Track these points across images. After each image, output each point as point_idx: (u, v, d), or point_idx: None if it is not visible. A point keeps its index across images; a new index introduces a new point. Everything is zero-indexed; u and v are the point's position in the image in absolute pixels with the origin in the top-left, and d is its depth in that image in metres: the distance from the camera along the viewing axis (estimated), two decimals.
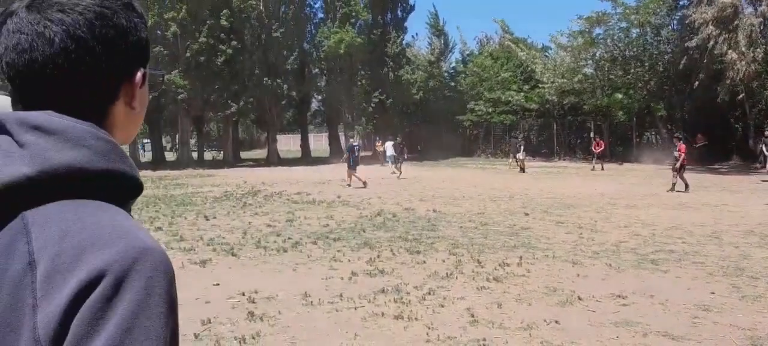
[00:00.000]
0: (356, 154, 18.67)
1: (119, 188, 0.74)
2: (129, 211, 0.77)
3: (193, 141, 45.48)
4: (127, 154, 0.77)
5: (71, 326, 0.62)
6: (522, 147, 26.26)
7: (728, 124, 30.76)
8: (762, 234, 9.21)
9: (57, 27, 0.73)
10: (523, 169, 24.92)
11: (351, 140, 18.40)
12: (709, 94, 27.34)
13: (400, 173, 22.24)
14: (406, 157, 23.39)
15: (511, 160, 27.14)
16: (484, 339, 4.46)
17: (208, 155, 41.60)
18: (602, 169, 26.35)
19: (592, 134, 31.32)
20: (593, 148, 27.88)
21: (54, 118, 0.72)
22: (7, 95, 0.81)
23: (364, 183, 17.87)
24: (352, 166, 18.40)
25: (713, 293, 5.78)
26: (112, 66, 0.77)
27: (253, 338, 4.51)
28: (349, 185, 17.99)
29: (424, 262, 7.25)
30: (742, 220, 10.75)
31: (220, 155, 39.72)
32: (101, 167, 0.72)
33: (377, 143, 31.14)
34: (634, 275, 6.56)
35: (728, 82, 26.07)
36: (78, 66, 0.74)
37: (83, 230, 0.66)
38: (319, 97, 45.28)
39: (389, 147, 25.66)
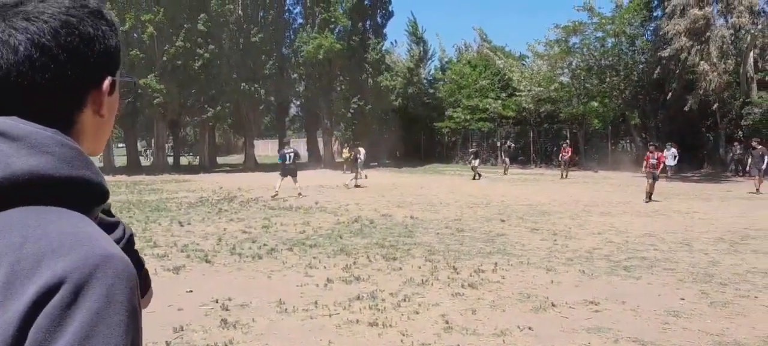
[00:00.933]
0: (289, 161, 17.04)
1: (84, 195, 0.74)
2: (95, 218, 0.78)
3: (168, 146, 44.97)
4: (101, 159, 0.77)
5: (29, 333, 0.61)
6: (475, 156, 27.19)
7: (700, 133, 31.44)
8: (731, 241, 9.43)
9: (21, 35, 0.73)
10: (477, 177, 25.41)
11: (286, 148, 17.17)
12: (681, 103, 27.91)
13: (356, 182, 20.79)
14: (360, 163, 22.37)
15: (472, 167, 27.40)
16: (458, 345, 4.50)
17: (184, 160, 41.22)
18: (566, 176, 26.63)
19: (566, 142, 31.85)
20: (560, 156, 28.26)
21: (19, 124, 0.71)
22: None
23: (276, 193, 16.52)
24: (283, 173, 16.98)
25: (683, 299, 5.90)
26: (78, 74, 0.76)
27: (226, 345, 4.48)
28: (276, 195, 16.46)
29: (401, 268, 7.27)
30: (712, 227, 11.00)
31: (196, 160, 39.37)
32: (65, 174, 0.71)
33: (345, 149, 30.64)
34: (606, 282, 6.66)
35: (701, 92, 26.64)
36: (43, 74, 0.73)
37: (44, 237, 0.66)
38: (298, 103, 45.13)
39: (363, 154, 25.56)
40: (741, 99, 27.83)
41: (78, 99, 0.78)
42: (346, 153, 30.73)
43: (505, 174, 28.84)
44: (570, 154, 28.14)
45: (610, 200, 16.37)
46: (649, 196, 15.96)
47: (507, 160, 30.88)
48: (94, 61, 0.78)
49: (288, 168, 17.15)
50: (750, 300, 5.87)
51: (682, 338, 4.72)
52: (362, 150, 22.71)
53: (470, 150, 28.51)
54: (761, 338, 4.74)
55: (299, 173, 17.58)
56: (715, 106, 27.76)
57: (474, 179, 25.11)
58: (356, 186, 20.56)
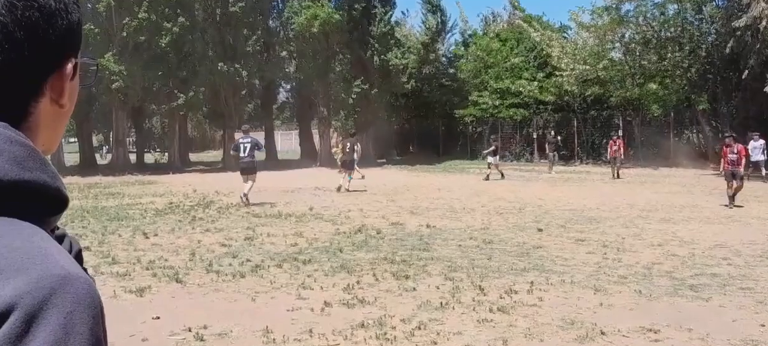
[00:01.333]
0: (244, 154, 16.20)
1: (38, 202, 0.74)
2: (51, 230, 0.77)
3: (130, 140, 45.19)
4: (49, 158, 0.77)
5: None
6: (493, 150, 26.39)
7: None
8: None
9: None
10: (500, 176, 25.15)
11: (241, 137, 16.35)
12: (761, 83, 27.71)
13: (346, 185, 20.09)
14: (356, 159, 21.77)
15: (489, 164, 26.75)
16: None
17: (149, 158, 41.43)
18: (617, 175, 25.98)
19: (616, 133, 30.80)
20: (610, 150, 27.36)
21: None
22: None
23: (246, 199, 15.89)
24: (242, 172, 16.40)
25: (764, 325, 5.87)
26: (36, 55, 0.76)
27: None
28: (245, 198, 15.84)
29: (414, 289, 7.27)
30: None
31: (165, 158, 39.54)
32: (15, 177, 0.71)
33: (338, 143, 30.42)
34: (668, 304, 6.63)
35: None
36: None
37: None
38: (288, 87, 45.26)
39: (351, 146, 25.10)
40: None
41: (35, 85, 0.78)
42: (335, 149, 30.55)
43: (550, 173, 28.43)
44: (621, 147, 27.20)
45: (673, 204, 16.29)
46: (731, 199, 15.68)
47: (554, 155, 30.38)
48: (55, 39, 0.78)
49: (242, 164, 16.32)
50: None
51: None
52: (351, 143, 22.22)
53: (491, 144, 27.22)
54: None
55: (292, 173, 17.34)
56: None
57: (487, 178, 24.82)
58: (347, 190, 19.82)
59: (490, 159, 25.86)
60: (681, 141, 36.13)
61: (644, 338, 5.55)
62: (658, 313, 6.29)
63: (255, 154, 16.69)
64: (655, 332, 5.66)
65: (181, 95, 32.14)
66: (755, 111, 30.14)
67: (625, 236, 11.15)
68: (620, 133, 31.58)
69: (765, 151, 22.90)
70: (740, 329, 5.74)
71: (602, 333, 5.63)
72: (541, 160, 31.40)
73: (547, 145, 30.97)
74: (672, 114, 34.95)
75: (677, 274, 8.06)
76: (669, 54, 32.63)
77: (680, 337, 5.56)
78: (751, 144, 22.08)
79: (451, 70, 43.00)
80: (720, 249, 9.80)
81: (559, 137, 32.97)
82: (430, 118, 43.11)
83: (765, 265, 8.62)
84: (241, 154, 16.33)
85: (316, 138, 40.88)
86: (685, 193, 19.57)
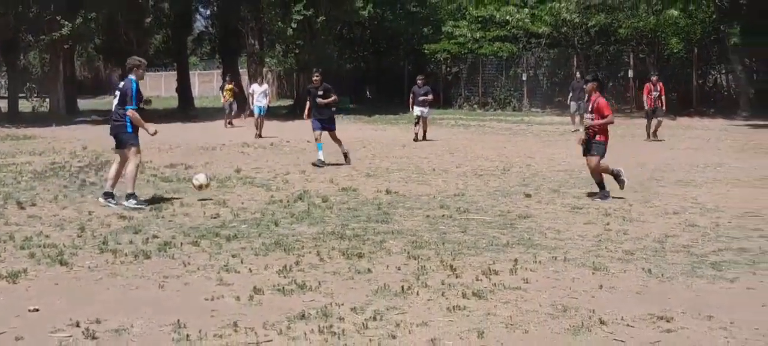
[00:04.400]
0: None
1: None
2: None
3: (1, 83, 44.07)
4: None
5: None
6: (423, 102, 23.55)
7: None
8: None
9: None
10: (418, 137, 23.13)
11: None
12: None
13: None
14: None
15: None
16: None
17: (25, 105, 40.49)
18: (654, 136, 23.22)
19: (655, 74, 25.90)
20: (646, 100, 23.86)
21: None
22: None
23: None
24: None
25: None
26: None
27: None
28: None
29: (369, 271, 7.28)
30: None
31: (46, 105, 38.76)
32: None
33: (228, 86, 29.43)
34: (684, 286, 6.77)
35: None
36: None
37: None
38: (207, 13, 44.57)
39: (258, 92, 24.27)
40: None
41: None
42: (226, 95, 28.99)
43: (575, 127, 25.62)
44: (662, 94, 23.58)
45: (694, 162, 16.60)
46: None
47: (577, 104, 26.54)
48: None
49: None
50: None
51: None
52: (258, 88, 21.54)
53: (421, 87, 23.65)
54: None
55: (213, 124, 16.78)
56: None
57: (416, 138, 22.91)
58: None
59: (422, 111, 23.35)
60: (706, 84, 36.70)
61: (653, 327, 5.66)
62: (672, 297, 6.42)
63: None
64: (668, 321, 5.77)
65: (66, 23, 31.45)
66: None
67: (632, 202, 11.32)
68: (656, 74, 26.34)
69: None
70: None
71: (601, 322, 5.73)
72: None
73: (571, 92, 28.03)
74: (696, 50, 35.40)
75: (696, 249, 8.22)
76: None
77: (698, 326, 5.69)
78: None
79: None
80: (751, 218, 10.01)
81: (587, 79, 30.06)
82: (392, 56, 42.99)
83: None
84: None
85: (244, 79, 40.46)
86: (710, 148, 19.96)
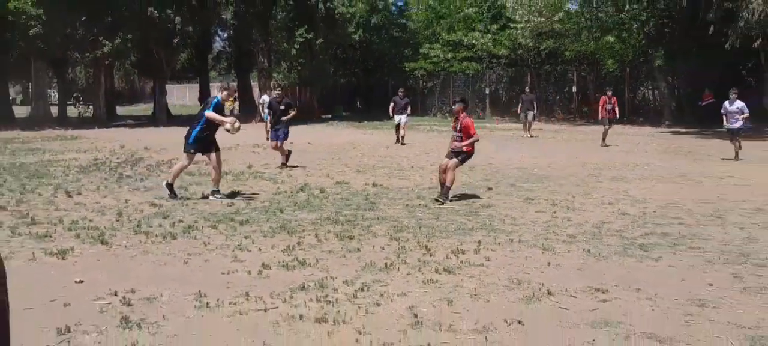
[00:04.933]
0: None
1: None
2: None
3: (52, 92, 43.80)
4: None
5: None
6: (405, 107, 23.02)
7: (740, 77, 32.24)
8: None
9: None
10: (400, 141, 22.52)
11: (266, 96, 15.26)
12: (719, 39, 28.36)
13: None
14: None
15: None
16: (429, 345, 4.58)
17: (72, 111, 40.31)
18: (604, 143, 21.77)
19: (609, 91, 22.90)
20: (600, 111, 22.22)
21: None
22: None
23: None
24: None
25: (711, 284, 6.10)
26: None
27: None
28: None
29: (358, 250, 7.33)
30: (750, 195, 11.36)
31: (89, 111, 38.59)
32: None
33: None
34: (617, 264, 6.84)
35: (741, 24, 27.08)
36: None
37: None
38: (225, 35, 44.39)
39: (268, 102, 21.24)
40: None
41: None
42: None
43: (528, 135, 25.95)
44: (615, 106, 22.20)
45: (626, 162, 16.73)
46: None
47: (530, 114, 26.47)
48: None
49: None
50: None
51: (708, 334, 4.90)
52: (268, 97, 20.67)
53: (402, 97, 23.12)
54: None
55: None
56: (758, 42, 28.30)
57: (397, 141, 22.50)
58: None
59: (401, 118, 22.61)
60: (636, 97, 36.95)
61: (592, 298, 5.72)
62: (607, 273, 6.49)
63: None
64: (603, 292, 5.84)
65: (107, 43, 31.25)
66: (712, 69, 30.97)
67: (575, 194, 11.41)
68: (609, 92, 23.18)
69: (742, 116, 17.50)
70: (688, 289, 5.96)
71: (549, 293, 5.78)
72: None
73: (521, 104, 26.97)
74: (628, 70, 35.66)
75: (627, 233, 8.31)
76: (627, 6, 33.14)
77: (628, 297, 5.75)
78: (730, 106, 17.59)
79: (402, 21, 42.84)
80: (672, 208, 10.12)
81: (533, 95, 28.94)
82: (379, 73, 42.99)
83: (715, 224, 8.95)
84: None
85: (256, 91, 40.35)
86: (639, 151, 20.10)
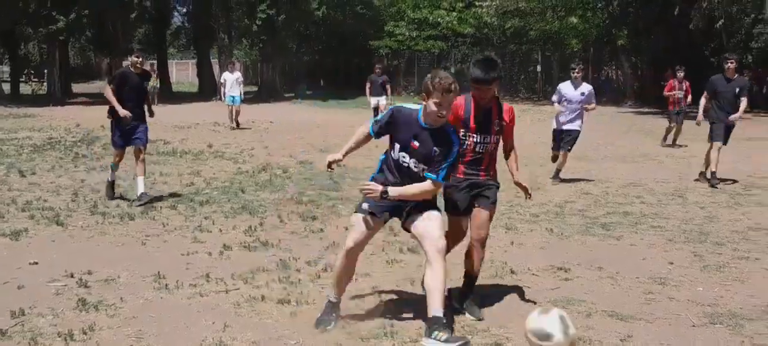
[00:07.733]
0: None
1: None
2: None
3: (4, 69, 42.79)
4: None
5: None
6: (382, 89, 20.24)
7: (703, 58, 32.77)
8: (732, 192, 10.02)
9: None
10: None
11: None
12: (683, 19, 28.82)
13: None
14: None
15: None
16: (392, 325, 4.61)
17: (25, 88, 39.57)
18: (672, 143, 16.88)
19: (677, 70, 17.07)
20: (671, 98, 16.95)
21: None
22: None
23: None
24: None
25: (671, 263, 6.25)
26: None
27: (85, 332, 4.42)
28: None
29: (322, 230, 7.34)
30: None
31: (43, 88, 37.88)
32: None
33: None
34: (579, 243, 6.96)
35: (705, 4, 27.57)
36: None
37: None
38: (183, 10, 43.74)
39: (230, 81, 20.25)
40: (752, 15, 29.04)
41: None
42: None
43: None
44: (688, 92, 17.01)
45: (589, 142, 16.90)
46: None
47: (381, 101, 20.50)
48: None
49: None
50: (749, 263, 6.30)
51: (668, 311, 5.03)
52: (229, 75, 20.16)
53: (380, 72, 20.77)
54: (760, 306, 5.11)
55: (188, 106, 16.10)
56: (721, 23, 28.84)
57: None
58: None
59: (379, 100, 19.97)
60: (599, 77, 37.39)
61: (554, 276, 5.82)
62: (569, 252, 6.60)
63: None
64: (566, 271, 5.94)
65: (61, 18, 30.62)
66: (676, 49, 31.43)
67: (538, 174, 11.53)
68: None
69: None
70: (649, 267, 6.10)
71: (512, 272, 5.86)
72: None
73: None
74: (592, 50, 36.03)
75: (589, 213, 8.45)
76: None
77: (590, 275, 5.86)
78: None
79: None
80: (633, 187, 10.32)
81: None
82: (343, 51, 42.74)
83: (676, 203, 9.16)
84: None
85: (216, 69, 39.88)
86: (602, 130, 20.33)
